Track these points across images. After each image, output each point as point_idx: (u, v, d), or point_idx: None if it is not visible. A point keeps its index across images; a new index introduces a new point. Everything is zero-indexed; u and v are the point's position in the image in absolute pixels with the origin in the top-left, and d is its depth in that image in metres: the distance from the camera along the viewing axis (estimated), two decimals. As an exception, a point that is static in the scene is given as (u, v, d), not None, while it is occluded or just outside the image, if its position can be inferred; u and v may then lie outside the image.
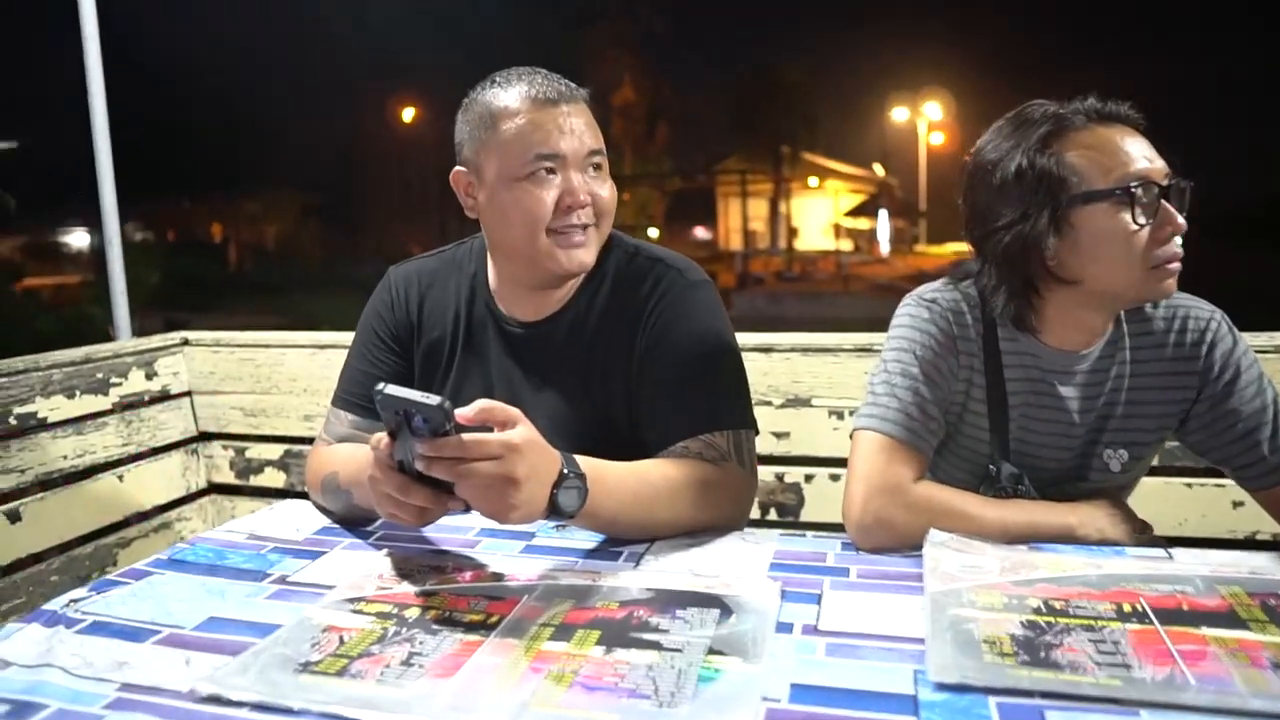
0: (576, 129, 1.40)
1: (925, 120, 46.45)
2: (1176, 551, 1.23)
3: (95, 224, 2.96)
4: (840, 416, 2.02)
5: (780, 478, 2.05)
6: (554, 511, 1.16)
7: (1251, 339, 1.87)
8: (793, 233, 40.06)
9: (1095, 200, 1.24)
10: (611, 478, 1.25)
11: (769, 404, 2.05)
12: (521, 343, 1.53)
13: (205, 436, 2.51)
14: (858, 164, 44.78)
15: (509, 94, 1.41)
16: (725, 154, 42.40)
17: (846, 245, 41.41)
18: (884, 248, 42.30)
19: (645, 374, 1.46)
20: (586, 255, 1.43)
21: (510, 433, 1.11)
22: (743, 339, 2.10)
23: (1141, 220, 1.23)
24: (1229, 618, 1.02)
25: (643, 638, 1.00)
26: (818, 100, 39.95)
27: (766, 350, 2.06)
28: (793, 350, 2.05)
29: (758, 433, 1.48)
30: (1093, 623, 1.02)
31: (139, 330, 2.76)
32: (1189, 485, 1.88)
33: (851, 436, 1.36)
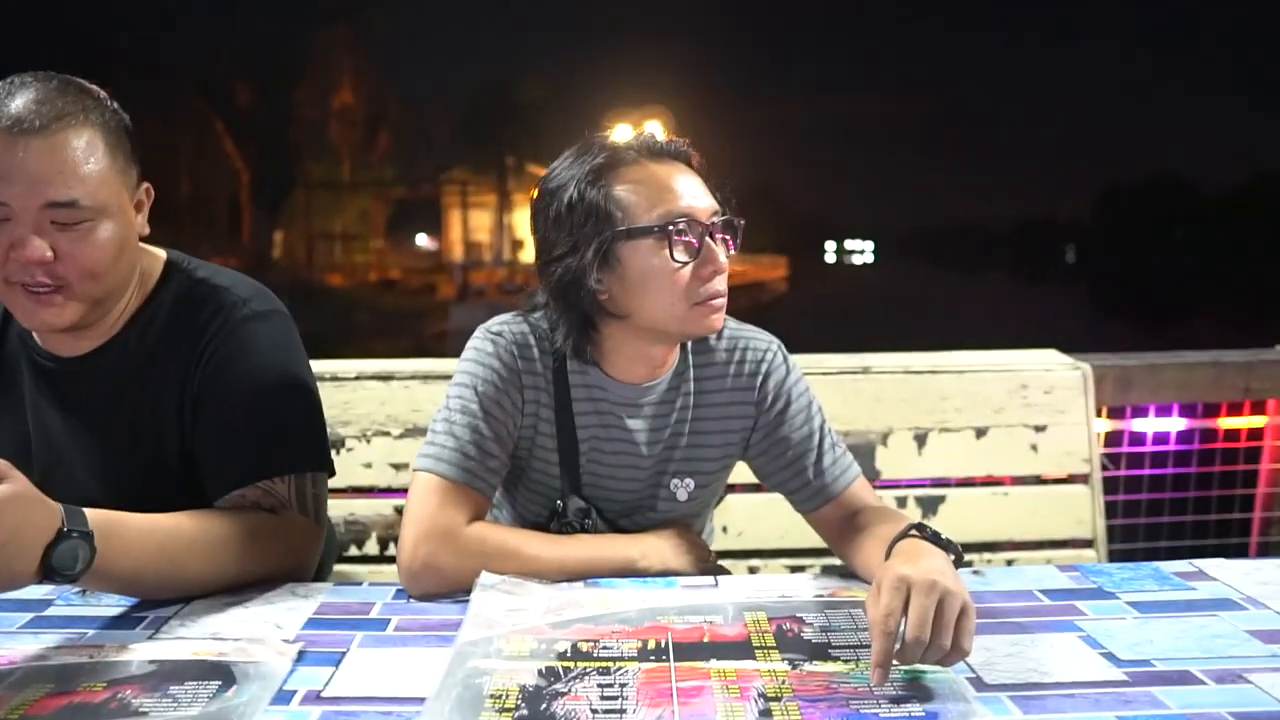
0: (31, 173, 1.15)
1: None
2: (724, 579, 1.27)
3: None
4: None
5: (399, 510, 1.97)
6: (50, 574, 1.02)
7: (803, 360, 2.00)
8: (517, 245, 40.14)
9: (637, 236, 1.26)
10: (131, 532, 1.12)
11: (388, 434, 1.97)
12: (58, 381, 1.35)
13: None
14: (583, 178, 45.41)
15: None
16: (451, 164, 41.93)
17: (573, 257, 41.92)
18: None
19: (200, 415, 1.33)
20: (54, 317, 1.24)
21: None
22: (358, 365, 2.02)
23: (682, 258, 1.26)
24: (741, 647, 1.06)
25: (112, 726, 0.89)
26: (545, 114, 40.37)
27: (386, 378, 1.98)
28: (413, 378, 1.98)
29: (332, 474, 1.40)
30: (610, 664, 1.01)
31: None
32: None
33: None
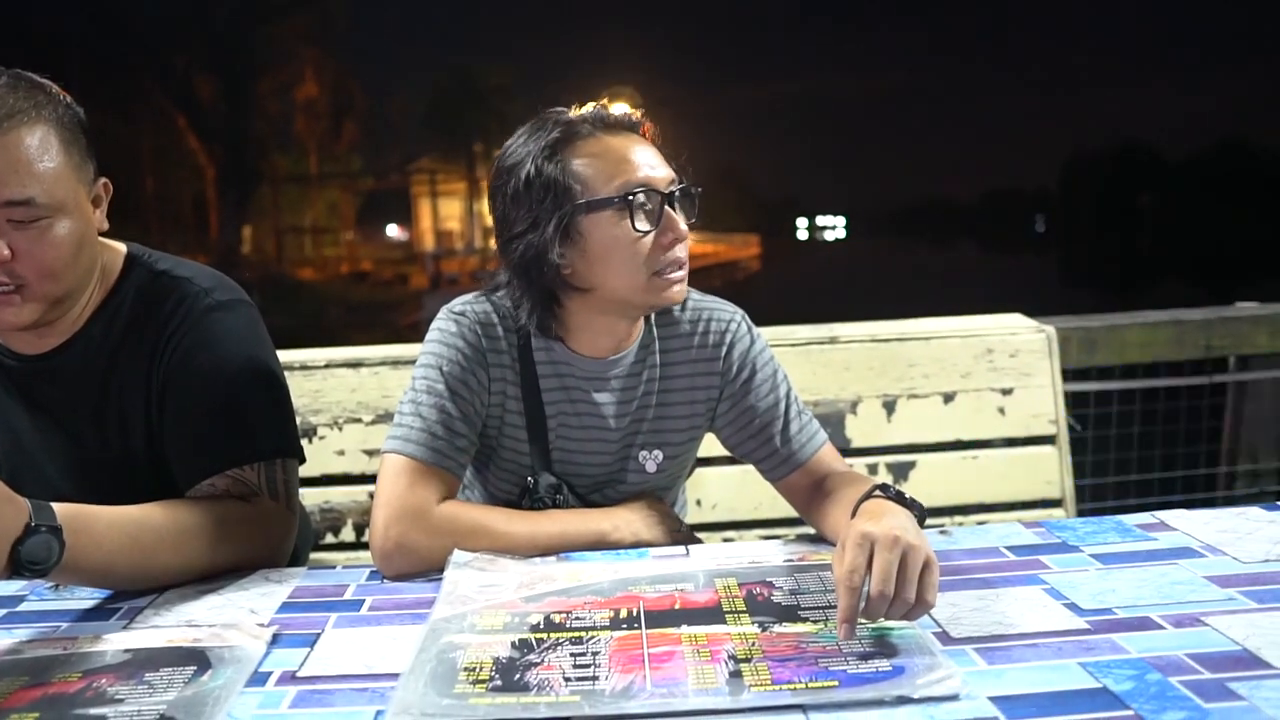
0: None
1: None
2: (696, 548, 1.29)
3: None
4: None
5: (373, 496, 1.97)
6: (20, 569, 1.02)
7: (771, 331, 2.02)
8: (488, 231, 39.60)
9: (598, 208, 1.26)
10: (101, 525, 1.12)
11: (359, 421, 1.97)
12: (23, 379, 1.35)
13: None
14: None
15: None
16: (420, 154, 41.65)
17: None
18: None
19: (167, 407, 1.33)
20: (13, 316, 1.22)
21: None
22: (327, 353, 2.02)
23: (643, 227, 1.27)
24: (711, 612, 1.07)
25: (88, 714, 0.90)
26: (512, 99, 40.16)
27: (355, 365, 1.98)
28: (382, 364, 1.98)
29: (303, 460, 1.40)
30: (582, 634, 1.02)
31: None
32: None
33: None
